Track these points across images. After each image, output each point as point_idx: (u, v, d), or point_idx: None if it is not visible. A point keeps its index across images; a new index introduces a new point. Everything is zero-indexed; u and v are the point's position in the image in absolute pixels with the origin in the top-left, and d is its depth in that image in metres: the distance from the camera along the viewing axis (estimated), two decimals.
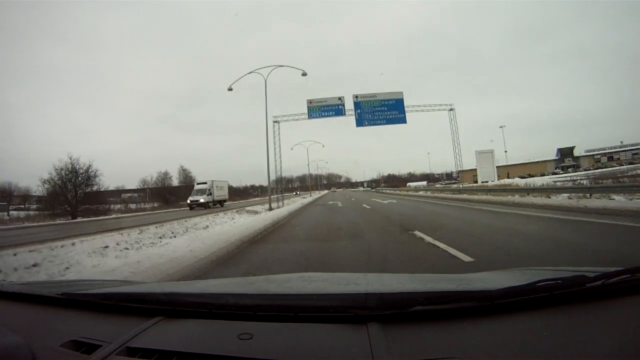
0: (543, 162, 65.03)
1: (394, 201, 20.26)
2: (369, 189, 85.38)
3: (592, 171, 45.96)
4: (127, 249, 6.21)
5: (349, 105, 23.98)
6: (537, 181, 23.44)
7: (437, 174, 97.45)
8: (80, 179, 29.79)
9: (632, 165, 46.11)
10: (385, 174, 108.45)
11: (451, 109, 25.60)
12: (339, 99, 23.97)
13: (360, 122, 23.89)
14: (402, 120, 23.87)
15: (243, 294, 1.17)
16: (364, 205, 17.12)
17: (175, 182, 52.90)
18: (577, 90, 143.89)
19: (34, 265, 4.65)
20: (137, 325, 0.93)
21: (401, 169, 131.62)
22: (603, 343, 0.73)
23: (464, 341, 0.77)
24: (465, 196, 18.65)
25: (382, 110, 23.84)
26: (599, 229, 6.15)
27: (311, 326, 0.89)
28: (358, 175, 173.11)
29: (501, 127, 63.86)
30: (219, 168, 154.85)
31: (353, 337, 0.81)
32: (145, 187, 50.47)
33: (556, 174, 52.21)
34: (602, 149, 65.24)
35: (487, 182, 36.47)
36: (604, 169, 45.90)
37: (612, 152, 63.74)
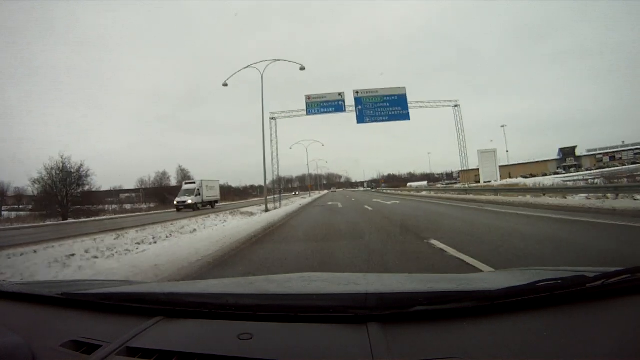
0: (544, 162, 65.01)
1: (397, 202, 19.08)
2: (369, 189, 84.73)
3: (600, 170, 45.35)
4: (96, 257, 5.58)
5: (350, 101, 23.08)
6: (547, 181, 22.48)
7: (437, 174, 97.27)
8: (71, 178, 28.81)
9: (638, 165, 45.46)
10: (385, 174, 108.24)
11: (456, 105, 24.68)
12: (339, 94, 23.00)
13: (361, 119, 22.83)
14: (405, 116, 22.81)
15: (243, 294, 1.17)
16: (366, 207, 15.97)
17: (173, 182, 52.53)
18: (577, 90, 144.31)
19: None
20: (137, 325, 0.93)
21: (401, 169, 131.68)
22: (603, 343, 0.73)
23: (464, 341, 0.77)
24: (472, 197, 17.71)
25: (384, 106, 22.81)
26: None
27: (311, 326, 0.89)
28: (358, 175, 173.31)
29: (502, 126, 63.23)
30: (219, 168, 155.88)
31: (353, 337, 0.81)
32: (143, 187, 49.59)
33: (558, 173, 52.13)
34: (603, 149, 65.11)
35: (490, 181, 35.67)
36: (613, 169, 45.10)
37: (613, 152, 63.62)
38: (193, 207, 28.48)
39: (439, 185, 52.86)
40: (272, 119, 24.50)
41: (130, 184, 55.32)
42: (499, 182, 33.99)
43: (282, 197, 25.43)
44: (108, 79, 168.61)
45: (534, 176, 48.42)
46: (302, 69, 19.31)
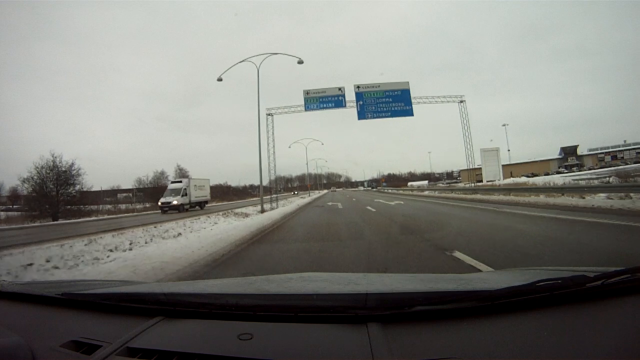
0: (546, 162, 64.96)
1: (402, 202, 18.02)
2: (369, 188, 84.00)
3: (614, 168, 44.75)
4: (57, 267, 5.04)
5: (350, 96, 21.94)
6: (557, 180, 21.51)
7: (437, 174, 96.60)
8: (61, 177, 27.60)
9: None
10: (385, 173, 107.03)
11: (462, 101, 23.50)
12: (339, 89, 21.79)
13: (362, 115, 21.68)
14: (409, 112, 21.69)
15: (243, 294, 1.17)
16: (368, 208, 14.85)
17: None
18: (578, 90, 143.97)
19: None
20: (137, 325, 0.93)
21: (401, 169, 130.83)
22: (603, 343, 0.72)
23: (464, 341, 0.77)
24: (481, 196, 16.70)
25: (387, 101, 21.66)
26: None
27: (311, 326, 0.89)
28: (358, 174, 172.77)
29: (504, 125, 62.15)
30: (219, 168, 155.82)
31: (353, 337, 0.80)
32: (141, 186, 48.65)
33: (560, 173, 51.90)
34: (605, 148, 65.02)
35: (493, 181, 34.83)
36: (624, 167, 44.37)
37: (615, 151, 63.47)
38: (179, 209, 25.96)
39: (441, 185, 52.00)
40: (269, 114, 23.24)
41: (130, 184, 54.56)
42: (505, 182, 33.14)
43: (281, 197, 24.36)
44: (107, 78, 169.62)
45: (536, 175, 48.17)
46: (300, 62, 18.61)
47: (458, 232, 6.64)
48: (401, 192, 41.55)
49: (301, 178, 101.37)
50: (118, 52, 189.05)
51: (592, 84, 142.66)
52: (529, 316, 0.84)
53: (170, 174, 46.50)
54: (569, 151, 65.29)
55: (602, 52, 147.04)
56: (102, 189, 52.15)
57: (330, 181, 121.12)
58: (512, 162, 61.10)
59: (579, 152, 65.51)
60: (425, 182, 72.67)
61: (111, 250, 6.57)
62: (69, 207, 27.60)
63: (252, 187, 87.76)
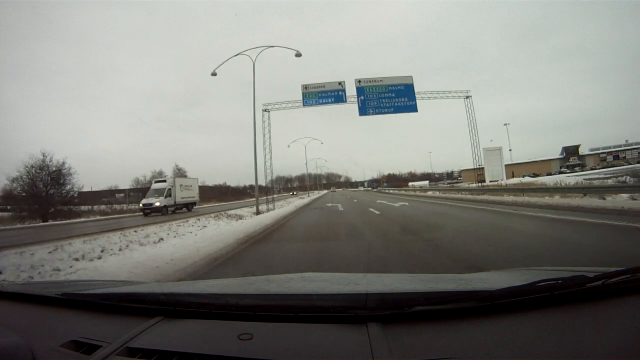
0: (547, 161, 64.67)
1: (406, 204, 16.75)
2: (370, 188, 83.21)
3: (612, 169, 44.10)
4: (5, 280, 4.44)
5: (351, 91, 20.83)
6: (569, 180, 20.39)
7: (437, 174, 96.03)
8: (51, 177, 26.47)
9: None
10: (385, 173, 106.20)
11: (467, 97, 22.34)
12: (339, 83, 20.66)
13: (363, 111, 20.52)
14: (412, 108, 20.50)
15: (243, 294, 1.17)
16: (372, 210, 13.54)
17: None
18: (577, 90, 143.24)
19: None
20: (137, 325, 0.93)
21: (401, 169, 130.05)
22: (603, 343, 0.72)
23: (464, 341, 0.77)
24: (491, 197, 15.60)
25: (390, 96, 20.49)
26: None
27: (311, 326, 0.88)
28: (358, 175, 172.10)
29: (505, 124, 61.25)
30: (219, 168, 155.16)
31: (353, 337, 0.80)
32: (139, 186, 47.72)
33: (563, 172, 51.51)
34: (606, 148, 64.71)
35: (497, 181, 34.00)
36: (635, 165, 43.66)
37: (617, 151, 63.29)
38: (162, 211, 23.35)
39: (442, 185, 51.09)
40: (265, 110, 22.05)
41: (129, 184, 53.54)
42: (511, 182, 32.20)
43: (280, 198, 23.14)
44: (107, 78, 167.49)
45: (538, 175, 47.70)
46: (298, 55, 17.80)
47: (484, 242, 5.26)
48: (403, 192, 40.14)
49: (301, 178, 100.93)
50: (118, 52, 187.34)
51: (592, 84, 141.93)
52: (529, 316, 0.84)
53: (169, 174, 45.53)
54: (570, 151, 64.83)
55: (602, 52, 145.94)
56: (101, 189, 51.95)
57: (330, 181, 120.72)
58: (513, 162, 60.55)
59: (581, 151, 64.99)
60: (426, 182, 71.92)
61: (77, 260, 5.70)
62: (60, 207, 26.43)
63: (251, 187, 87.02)
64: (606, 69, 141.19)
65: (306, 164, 47.78)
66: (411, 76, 20.97)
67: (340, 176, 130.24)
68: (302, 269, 4.22)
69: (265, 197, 21.45)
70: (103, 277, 3.55)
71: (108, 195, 49.75)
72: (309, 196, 42.58)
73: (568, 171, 53.56)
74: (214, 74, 18.02)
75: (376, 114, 20.77)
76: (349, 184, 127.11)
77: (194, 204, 28.66)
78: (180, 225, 11.15)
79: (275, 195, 23.73)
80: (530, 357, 0.69)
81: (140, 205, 24.49)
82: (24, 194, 26.02)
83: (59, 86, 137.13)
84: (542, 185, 18.45)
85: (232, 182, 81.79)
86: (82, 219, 24.88)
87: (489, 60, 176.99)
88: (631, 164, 52.33)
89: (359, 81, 20.95)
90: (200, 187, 32.82)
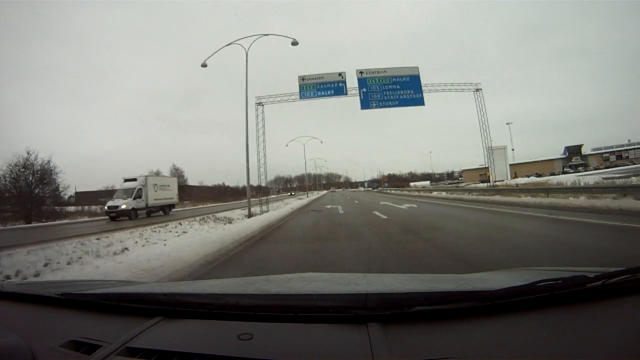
0: (549, 161, 64.25)
1: (415, 205, 15.20)
2: (370, 189, 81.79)
3: (616, 168, 42.99)
4: None
5: (352, 83, 19.23)
6: (590, 179, 18.84)
7: (438, 174, 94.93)
8: (34, 176, 25.01)
9: None
10: (386, 173, 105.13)
11: (477, 89, 20.73)
12: (339, 74, 18.99)
13: (366, 104, 18.90)
14: (419, 101, 18.85)
15: (243, 294, 1.16)
16: (377, 214, 11.60)
17: None
18: (578, 90, 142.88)
19: None
20: (137, 325, 0.93)
21: (401, 169, 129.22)
22: (603, 343, 0.72)
23: (464, 341, 0.76)
24: (506, 198, 14.07)
25: (394, 89, 18.84)
26: None
27: (311, 326, 0.88)
28: (358, 175, 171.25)
29: (508, 123, 60.01)
30: (218, 168, 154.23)
31: (353, 337, 0.80)
32: None
33: (566, 172, 50.85)
34: (609, 148, 64.14)
35: (502, 180, 32.79)
36: (633, 166, 42.52)
37: (620, 151, 62.75)
38: (129, 215, 20.21)
39: (444, 185, 49.70)
40: (259, 104, 20.34)
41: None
42: (521, 181, 30.76)
43: (277, 198, 21.45)
44: (107, 78, 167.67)
45: (540, 175, 46.97)
46: (295, 43, 16.65)
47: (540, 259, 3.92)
48: (406, 192, 38.38)
49: (300, 178, 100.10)
50: (118, 52, 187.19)
51: (593, 83, 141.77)
52: (529, 316, 0.84)
53: (166, 174, 43.72)
54: (573, 150, 64.40)
55: (602, 52, 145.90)
56: (98, 189, 50.35)
57: (330, 181, 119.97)
58: (516, 161, 59.42)
59: (583, 151, 64.07)
60: (427, 182, 70.64)
61: (8, 278, 4.51)
62: (45, 207, 25.17)
63: (251, 187, 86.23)
64: (606, 68, 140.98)
65: (305, 163, 46.33)
66: (417, 67, 19.21)
67: (340, 176, 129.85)
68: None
69: (264, 198, 19.89)
70: None
71: (105, 195, 48.80)
72: (307, 197, 40.67)
73: (571, 171, 53.04)
74: (204, 65, 16.86)
75: (379, 107, 19.11)
76: (349, 184, 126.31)
77: (171, 206, 25.43)
78: (155, 232, 9.53)
79: (273, 196, 22.07)
80: (531, 357, 0.69)
81: (105, 207, 21.25)
82: (7, 194, 24.50)
83: (59, 86, 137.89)
84: (560, 185, 16.97)
85: (232, 182, 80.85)
86: (66, 221, 23.53)
87: (489, 60, 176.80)
88: (635, 164, 51.44)
89: (361, 72, 19.29)
90: (198, 187, 31.18)
